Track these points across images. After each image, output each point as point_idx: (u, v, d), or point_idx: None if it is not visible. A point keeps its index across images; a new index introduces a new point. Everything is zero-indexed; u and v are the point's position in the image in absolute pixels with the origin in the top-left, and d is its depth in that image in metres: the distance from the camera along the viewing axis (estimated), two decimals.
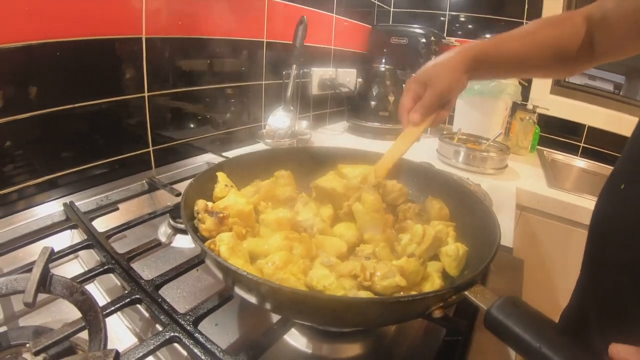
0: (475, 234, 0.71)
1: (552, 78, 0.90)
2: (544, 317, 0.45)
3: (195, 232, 0.61)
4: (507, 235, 1.04)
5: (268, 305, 0.50)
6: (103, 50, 0.95)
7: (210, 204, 0.67)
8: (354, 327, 0.62)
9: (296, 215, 0.72)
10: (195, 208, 0.65)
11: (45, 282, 0.56)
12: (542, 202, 1.53)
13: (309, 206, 0.75)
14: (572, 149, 2.24)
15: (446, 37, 2.30)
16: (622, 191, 0.69)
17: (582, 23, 0.81)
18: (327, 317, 0.51)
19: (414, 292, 0.59)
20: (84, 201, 0.93)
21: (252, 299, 0.50)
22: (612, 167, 2.03)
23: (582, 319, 0.78)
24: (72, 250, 0.72)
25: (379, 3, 2.31)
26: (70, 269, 0.75)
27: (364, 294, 0.55)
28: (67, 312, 0.63)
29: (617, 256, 0.68)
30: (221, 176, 0.76)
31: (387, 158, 0.87)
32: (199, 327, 0.56)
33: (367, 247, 0.66)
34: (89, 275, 0.65)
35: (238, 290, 0.51)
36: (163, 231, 0.88)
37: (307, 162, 0.91)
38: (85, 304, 0.54)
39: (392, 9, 2.49)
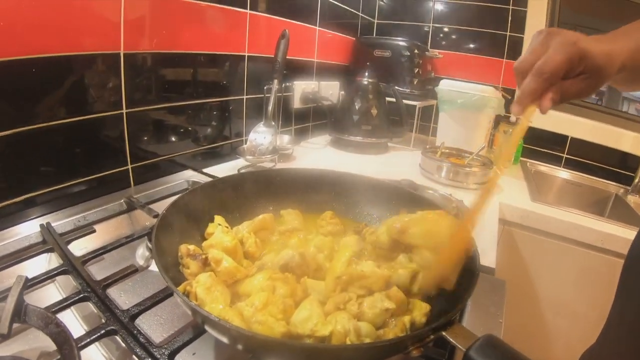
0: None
1: None
2: (523, 358, 0.45)
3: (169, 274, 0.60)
4: (490, 255, 1.05)
5: (240, 347, 0.50)
6: (80, 66, 0.94)
7: (192, 247, 0.66)
8: None
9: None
10: (179, 254, 0.65)
11: (20, 313, 0.56)
12: (525, 216, 1.54)
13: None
14: (555, 160, 2.27)
15: (430, 50, 2.32)
16: None
17: None
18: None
19: (405, 317, 0.59)
20: (61, 222, 0.91)
21: (225, 341, 0.50)
22: (595, 178, 2.08)
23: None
24: (48, 276, 0.71)
25: (362, 15, 2.32)
26: (47, 293, 0.74)
27: (361, 325, 0.55)
28: (43, 339, 0.62)
29: None
30: (218, 218, 0.77)
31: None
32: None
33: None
34: (64, 305, 0.64)
35: (210, 331, 0.51)
36: (141, 253, 0.87)
37: (290, 184, 0.92)
38: (60, 337, 0.53)
39: (375, 21, 2.51)
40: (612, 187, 2.07)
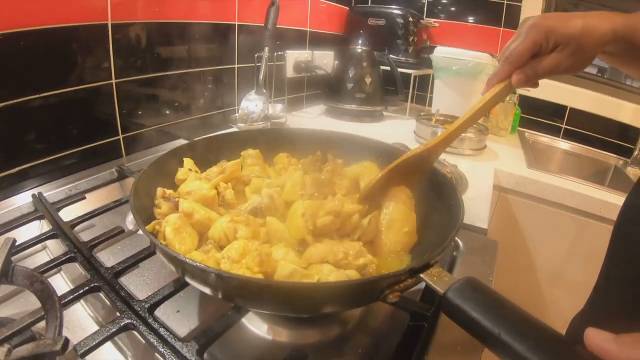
0: (442, 216, 0.71)
1: None
2: (505, 301, 0.44)
3: (142, 216, 0.61)
4: (483, 217, 1.05)
5: (208, 291, 0.51)
6: (68, 38, 0.94)
7: (169, 191, 0.67)
8: (307, 313, 0.62)
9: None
10: (156, 197, 0.66)
11: (7, 273, 0.57)
12: (521, 183, 1.54)
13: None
14: (554, 131, 2.25)
15: (425, 18, 2.30)
16: None
17: None
18: (278, 304, 0.52)
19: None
20: (53, 191, 0.92)
21: (197, 285, 0.51)
22: (594, 149, 2.06)
23: (598, 319, 0.75)
24: (38, 240, 0.73)
25: None
26: (38, 259, 0.75)
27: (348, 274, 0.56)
28: (33, 302, 0.64)
29: None
30: (187, 161, 0.77)
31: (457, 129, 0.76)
32: (157, 314, 0.57)
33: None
34: (52, 265, 0.66)
35: (178, 273, 0.52)
36: (130, 219, 0.88)
37: (280, 142, 0.92)
38: (44, 293, 0.54)
39: None
40: (612, 159, 2.04)
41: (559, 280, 1.62)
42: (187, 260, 0.46)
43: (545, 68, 0.68)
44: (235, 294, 0.52)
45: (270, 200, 0.68)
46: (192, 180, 0.72)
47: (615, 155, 2.06)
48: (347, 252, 0.60)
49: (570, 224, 1.50)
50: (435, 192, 0.76)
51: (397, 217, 0.71)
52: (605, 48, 0.68)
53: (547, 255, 1.63)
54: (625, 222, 0.73)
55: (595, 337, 0.35)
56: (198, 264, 0.46)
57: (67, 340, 0.43)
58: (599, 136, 2.14)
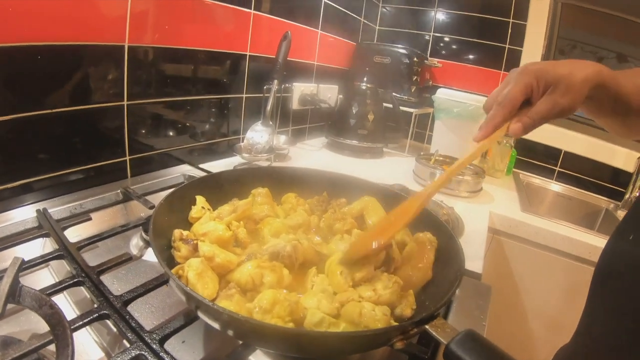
0: (441, 262, 0.74)
1: (631, 137, 0.79)
2: (502, 353, 0.47)
3: (163, 257, 0.62)
4: (477, 261, 1.07)
5: (230, 332, 0.51)
6: (85, 56, 0.95)
7: (185, 232, 0.68)
8: (317, 357, 0.63)
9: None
10: (172, 238, 0.66)
11: (15, 294, 0.57)
12: (514, 226, 1.56)
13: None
14: (548, 173, 2.30)
15: (429, 58, 2.35)
16: (630, 241, 0.68)
17: None
18: (290, 347, 0.53)
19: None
20: (57, 208, 0.92)
21: (215, 326, 0.52)
22: (586, 192, 2.09)
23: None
24: (43, 260, 0.73)
25: (364, 21, 2.35)
26: (40, 277, 0.75)
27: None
28: (35, 322, 0.63)
29: (620, 300, 0.67)
30: (200, 199, 0.78)
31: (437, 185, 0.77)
32: (165, 346, 0.57)
33: None
34: (58, 288, 0.66)
35: (202, 316, 0.53)
36: (135, 243, 0.88)
37: (286, 181, 0.93)
38: (54, 318, 0.55)
39: (377, 27, 2.54)
40: (603, 202, 2.09)
41: (550, 322, 1.63)
42: (226, 311, 0.48)
43: (541, 113, 0.68)
44: (252, 337, 0.53)
45: (293, 249, 0.69)
46: (207, 219, 0.72)
47: (606, 199, 2.11)
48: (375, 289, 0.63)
49: (561, 267, 1.53)
50: (441, 240, 0.78)
51: (414, 254, 0.74)
52: (591, 91, 0.68)
53: (538, 297, 1.65)
54: (604, 267, 0.74)
55: None
56: (235, 314, 0.48)
57: None
58: (591, 179, 2.19)
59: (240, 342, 0.59)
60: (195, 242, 0.65)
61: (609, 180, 2.14)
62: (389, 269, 0.71)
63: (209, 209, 0.77)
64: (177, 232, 0.67)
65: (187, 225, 0.75)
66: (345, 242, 0.74)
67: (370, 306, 0.59)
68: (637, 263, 0.64)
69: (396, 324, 0.60)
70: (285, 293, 0.59)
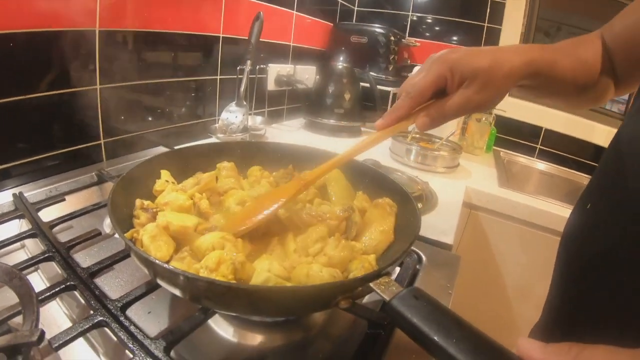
0: (402, 230, 0.75)
1: (582, 107, 0.75)
2: (446, 310, 0.46)
3: (120, 225, 0.63)
4: (449, 233, 1.09)
5: (177, 292, 0.54)
6: (56, 42, 0.97)
7: (147, 202, 0.71)
8: (263, 315, 0.66)
9: None
10: (135, 208, 0.69)
11: None
12: (492, 201, 1.59)
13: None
14: (529, 151, 2.33)
15: (407, 38, 2.36)
16: (588, 210, 0.68)
17: (598, 41, 0.73)
18: (237, 305, 0.55)
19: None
20: (34, 192, 0.95)
21: (162, 284, 0.55)
22: (568, 170, 2.10)
23: (549, 333, 0.77)
24: (17, 239, 0.76)
25: (342, 2, 2.36)
26: (17, 257, 0.77)
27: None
28: (10, 298, 0.67)
29: (582, 275, 0.67)
30: (164, 173, 0.80)
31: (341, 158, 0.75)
32: (129, 314, 0.60)
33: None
34: (30, 263, 0.69)
35: (142, 267, 0.56)
36: (108, 222, 0.91)
37: (253, 155, 0.96)
38: (22, 289, 0.57)
39: (355, 8, 2.54)
40: (585, 179, 2.09)
41: (526, 295, 1.67)
42: (158, 262, 0.50)
43: (452, 108, 0.64)
44: (198, 295, 0.55)
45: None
46: (170, 191, 0.75)
47: (588, 176, 2.12)
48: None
49: (538, 241, 1.55)
50: (403, 206, 0.79)
51: (375, 218, 0.76)
52: (521, 83, 0.67)
53: (515, 271, 1.68)
54: (565, 239, 0.74)
55: (525, 345, 0.37)
56: (168, 266, 0.51)
57: (43, 332, 0.46)
58: (573, 157, 2.21)
59: (199, 306, 0.62)
60: (155, 210, 0.67)
61: (590, 158, 2.17)
62: (350, 235, 0.73)
63: (172, 182, 0.79)
64: (138, 202, 0.69)
65: (152, 198, 0.77)
66: (305, 211, 0.77)
67: (318, 267, 0.60)
68: (595, 232, 0.64)
69: None
70: (232, 254, 0.60)
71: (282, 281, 0.59)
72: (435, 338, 0.43)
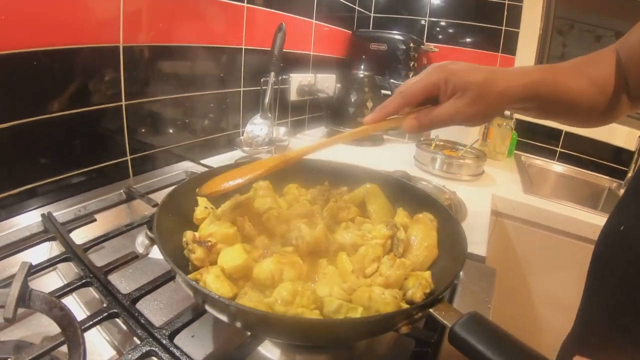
0: (444, 246, 0.74)
1: (592, 126, 0.75)
2: (506, 334, 0.47)
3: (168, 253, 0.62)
4: (481, 244, 1.07)
5: (238, 324, 0.52)
6: (81, 59, 0.95)
7: (197, 234, 0.68)
8: (324, 344, 0.65)
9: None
10: (184, 239, 0.66)
11: (25, 298, 0.57)
12: (517, 208, 1.56)
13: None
14: (549, 154, 2.29)
15: (425, 43, 2.34)
16: (622, 231, 0.67)
17: (613, 56, 0.72)
18: (295, 336, 0.54)
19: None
20: (62, 211, 0.93)
21: (224, 318, 0.52)
22: (588, 172, 2.07)
23: (582, 344, 0.76)
24: (51, 263, 0.73)
25: (359, 8, 2.34)
26: (49, 281, 0.76)
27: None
28: (46, 325, 0.64)
29: (616, 286, 0.67)
30: (202, 200, 0.78)
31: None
32: (175, 340, 0.58)
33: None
34: (67, 290, 0.66)
35: (210, 310, 0.54)
36: (140, 242, 0.89)
37: (287, 172, 0.92)
38: (65, 320, 0.55)
39: (372, 14, 2.52)
40: (606, 181, 2.08)
41: (553, 303, 1.63)
42: (232, 303, 0.49)
43: (440, 116, 0.66)
44: (256, 326, 0.54)
45: (304, 230, 0.69)
46: (212, 219, 0.72)
47: (609, 178, 2.10)
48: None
49: (565, 247, 1.52)
50: (440, 220, 0.78)
51: (418, 234, 0.74)
52: (519, 105, 0.68)
53: (542, 278, 1.65)
54: (598, 256, 0.73)
55: None
56: (235, 303, 0.50)
57: None
58: (593, 159, 2.17)
59: (249, 333, 0.59)
60: (209, 243, 0.65)
61: (611, 159, 2.13)
62: (398, 253, 0.71)
63: (212, 208, 0.77)
64: (189, 234, 0.67)
65: (193, 227, 0.75)
66: (350, 231, 0.74)
67: (380, 290, 0.59)
68: (625, 249, 0.64)
69: (407, 306, 0.60)
70: (302, 284, 0.59)
71: (354, 306, 0.57)
72: None
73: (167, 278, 0.70)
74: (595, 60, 0.73)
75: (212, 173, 0.87)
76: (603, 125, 0.79)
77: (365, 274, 0.66)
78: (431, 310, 0.53)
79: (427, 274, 0.67)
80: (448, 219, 0.77)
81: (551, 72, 0.68)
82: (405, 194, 0.89)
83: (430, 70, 0.67)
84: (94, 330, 0.64)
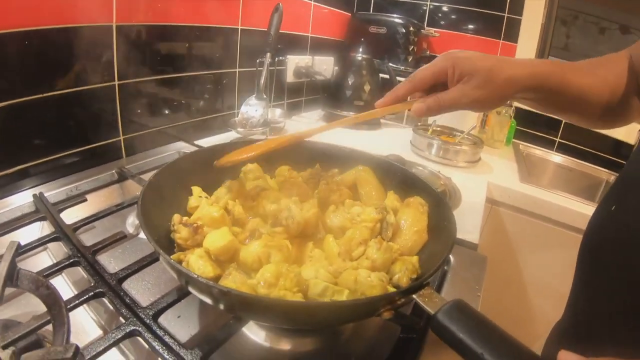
0: (434, 232, 0.74)
1: (601, 127, 0.76)
2: (489, 323, 0.47)
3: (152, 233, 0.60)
4: (473, 232, 1.07)
5: (221, 306, 0.52)
6: (73, 38, 0.94)
7: (185, 218, 0.68)
8: (306, 327, 0.65)
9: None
10: (172, 222, 0.67)
11: (12, 277, 0.58)
12: (513, 197, 1.55)
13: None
14: (548, 144, 2.27)
15: (426, 28, 2.31)
16: (612, 212, 0.67)
17: (625, 60, 0.73)
18: (277, 318, 0.53)
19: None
20: (54, 191, 0.93)
21: (206, 300, 0.52)
22: (587, 164, 2.07)
23: (570, 334, 0.76)
24: (40, 243, 0.73)
25: None
26: (40, 261, 0.76)
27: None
28: (35, 304, 0.64)
29: (605, 274, 0.67)
30: (195, 189, 0.77)
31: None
32: (160, 320, 0.58)
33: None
34: (56, 269, 0.66)
35: (192, 291, 0.54)
36: (131, 222, 0.89)
37: (277, 153, 0.91)
38: (50, 298, 0.55)
39: None
40: (604, 174, 2.06)
41: (545, 293, 1.63)
42: (214, 284, 0.48)
43: (448, 100, 0.68)
44: (240, 309, 0.54)
45: (288, 212, 0.69)
46: (204, 206, 0.72)
47: (607, 171, 2.08)
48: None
49: (560, 238, 1.51)
50: (431, 205, 0.78)
51: (408, 218, 0.74)
52: (525, 94, 0.69)
53: (537, 269, 1.65)
54: (588, 241, 0.73)
55: (565, 358, 0.37)
56: (238, 291, 0.50)
57: (77, 348, 0.44)
58: (592, 151, 2.15)
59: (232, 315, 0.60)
60: (195, 225, 0.65)
61: (610, 152, 2.10)
62: (387, 236, 0.71)
63: (206, 197, 0.77)
64: (176, 217, 0.67)
65: (180, 203, 0.75)
66: (339, 214, 0.74)
67: (366, 272, 0.59)
68: (619, 234, 0.63)
69: (393, 289, 0.60)
70: (287, 266, 0.59)
71: (339, 289, 0.57)
72: (482, 353, 0.43)
73: (153, 258, 0.69)
74: (608, 61, 0.74)
75: (200, 153, 0.87)
76: (612, 128, 0.81)
77: (352, 257, 0.66)
78: (414, 296, 0.52)
79: (415, 258, 0.67)
80: (439, 203, 0.76)
81: (560, 66, 0.69)
82: (397, 177, 0.88)
83: (440, 58, 0.70)
84: (81, 309, 0.64)
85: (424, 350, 0.63)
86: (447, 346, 0.48)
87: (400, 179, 0.87)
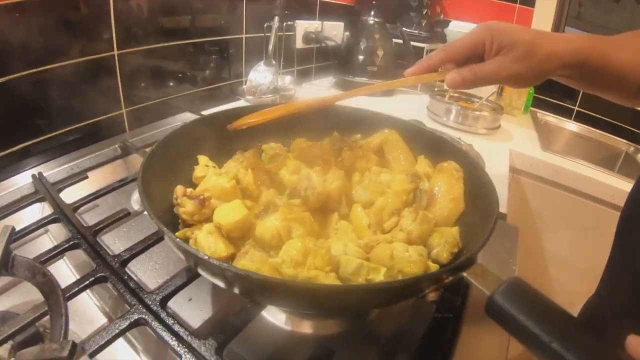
0: (470, 199, 0.67)
1: (637, 105, 0.72)
2: (557, 307, 0.40)
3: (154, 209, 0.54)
4: (501, 200, 1.00)
5: (236, 290, 0.46)
6: (67, 8, 0.90)
7: (189, 190, 0.62)
8: (338, 312, 0.59)
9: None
10: (174, 195, 0.60)
11: (7, 264, 0.53)
12: (535, 165, 1.50)
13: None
14: (565, 112, 2.19)
15: None
16: None
17: None
18: (306, 304, 0.48)
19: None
20: (55, 170, 0.89)
21: (219, 283, 0.46)
22: (605, 133, 2.00)
23: (603, 311, 0.74)
24: (38, 226, 0.68)
25: None
26: (40, 244, 0.71)
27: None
28: (36, 292, 0.59)
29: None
30: (202, 158, 0.71)
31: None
32: (169, 305, 0.53)
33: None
34: (54, 253, 0.61)
35: (203, 274, 0.48)
36: (136, 198, 0.84)
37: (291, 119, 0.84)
38: (47, 286, 0.51)
39: None
40: (622, 145, 1.98)
41: (567, 264, 1.60)
42: (212, 261, 0.42)
43: (484, 71, 0.64)
44: (257, 293, 0.48)
45: (308, 181, 0.62)
46: (212, 176, 0.65)
47: (626, 142, 2.00)
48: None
49: (583, 209, 1.47)
50: (471, 174, 0.71)
51: (442, 185, 0.68)
52: (566, 71, 0.64)
53: (558, 238, 1.61)
54: (626, 217, 0.70)
55: (637, 346, 0.35)
56: (233, 268, 0.43)
57: (74, 345, 0.39)
58: (610, 120, 2.07)
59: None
60: (202, 197, 0.58)
61: (629, 123, 2.01)
62: (421, 206, 0.65)
63: (213, 166, 0.69)
64: (179, 189, 0.60)
65: (185, 173, 0.68)
66: (366, 185, 0.68)
67: (403, 247, 0.52)
68: None
69: (435, 266, 0.54)
70: (314, 241, 0.52)
71: (375, 266, 0.51)
72: (551, 341, 0.37)
73: (159, 237, 0.64)
74: None
75: (208, 120, 0.82)
76: None
77: (383, 229, 0.60)
78: (465, 274, 0.46)
79: (455, 230, 0.61)
80: (475, 168, 0.69)
81: (601, 40, 0.64)
82: (424, 141, 0.81)
83: (476, 28, 0.65)
84: (84, 295, 0.59)
85: (462, 331, 0.58)
86: (486, 326, 0.44)
87: (428, 142, 0.80)
